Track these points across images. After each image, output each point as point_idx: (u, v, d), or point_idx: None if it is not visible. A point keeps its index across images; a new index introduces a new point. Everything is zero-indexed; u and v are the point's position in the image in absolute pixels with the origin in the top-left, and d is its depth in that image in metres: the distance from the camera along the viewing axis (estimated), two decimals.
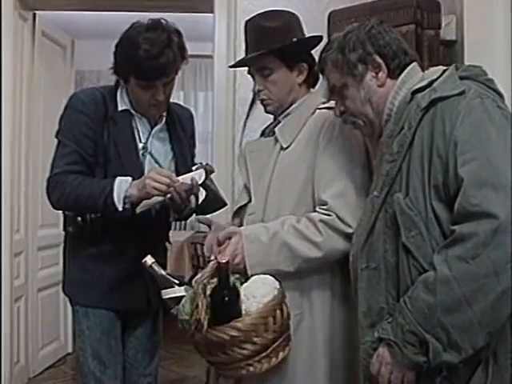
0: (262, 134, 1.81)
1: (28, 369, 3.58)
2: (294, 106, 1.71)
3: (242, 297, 1.42)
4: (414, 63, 1.42)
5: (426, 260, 1.20)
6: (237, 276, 1.49)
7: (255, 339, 1.37)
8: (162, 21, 1.80)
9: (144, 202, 1.79)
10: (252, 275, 1.51)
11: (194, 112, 2.20)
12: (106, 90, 1.93)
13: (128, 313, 1.95)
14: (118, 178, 1.78)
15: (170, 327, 2.08)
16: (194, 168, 1.82)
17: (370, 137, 1.52)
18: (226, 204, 1.94)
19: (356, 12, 2.48)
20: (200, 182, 1.75)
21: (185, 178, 1.75)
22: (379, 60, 1.40)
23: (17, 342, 3.41)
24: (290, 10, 1.78)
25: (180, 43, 1.81)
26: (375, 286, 1.29)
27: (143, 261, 1.54)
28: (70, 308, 2.13)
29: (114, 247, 1.88)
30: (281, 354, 1.43)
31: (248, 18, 1.75)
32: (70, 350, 3.99)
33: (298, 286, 1.57)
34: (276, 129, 1.70)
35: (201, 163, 1.84)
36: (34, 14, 3.53)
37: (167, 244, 2.11)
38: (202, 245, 1.86)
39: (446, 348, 1.14)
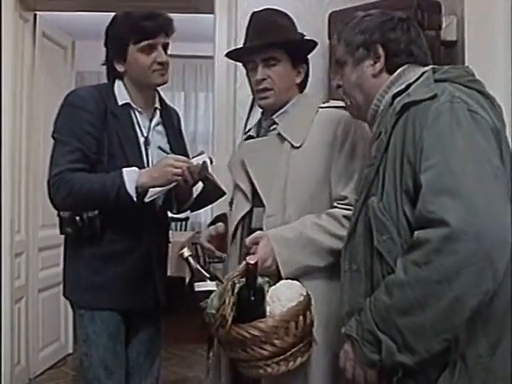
0: (257, 135, 1.80)
1: (28, 370, 3.58)
2: (288, 105, 1.73)
3: (268, 299, 1.45)
4: (408, 65, 1.39)
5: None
6: (267, 279, 1.52)
7: (275, 341, 1.40)
8: None
9: (151, 190, 1.77)
10: (282, 278, 1.53)
11: (194, 113, 2.22)
12: (101, 87, 1.93)
13: (135, 314, 1.93)
14: (125, 169, 1.77)
15: (170, 327, 2.08)
16: (196, 157, 1.82)
17: (356, 118, 1.54)
18: (225, 193, 1.93)
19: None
20: (209, 166, 1.77)
21: (195, 161, 1.77)
22: (381, 51, 1.40)
23: (17, 343, 3.40)
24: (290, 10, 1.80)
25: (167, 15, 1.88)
26: (356, 288, 1.30)
27: (180, 252, 1.57)
28: (70, 309, 2.11)
29: (119, 246, 1.86)
30: (299, 359, 1.45)
31: (256, 10, 1.76)
32: (70, 351, 3.97)
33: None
34: (279, 128, 1.70)
35: (202, 151, 1.85)
36: (35, 15, 3.53)
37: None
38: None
39: (401, 349, 1.15)
